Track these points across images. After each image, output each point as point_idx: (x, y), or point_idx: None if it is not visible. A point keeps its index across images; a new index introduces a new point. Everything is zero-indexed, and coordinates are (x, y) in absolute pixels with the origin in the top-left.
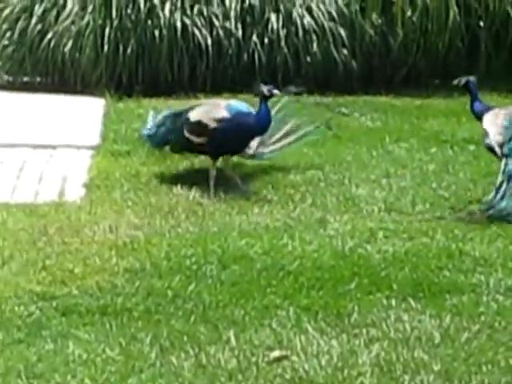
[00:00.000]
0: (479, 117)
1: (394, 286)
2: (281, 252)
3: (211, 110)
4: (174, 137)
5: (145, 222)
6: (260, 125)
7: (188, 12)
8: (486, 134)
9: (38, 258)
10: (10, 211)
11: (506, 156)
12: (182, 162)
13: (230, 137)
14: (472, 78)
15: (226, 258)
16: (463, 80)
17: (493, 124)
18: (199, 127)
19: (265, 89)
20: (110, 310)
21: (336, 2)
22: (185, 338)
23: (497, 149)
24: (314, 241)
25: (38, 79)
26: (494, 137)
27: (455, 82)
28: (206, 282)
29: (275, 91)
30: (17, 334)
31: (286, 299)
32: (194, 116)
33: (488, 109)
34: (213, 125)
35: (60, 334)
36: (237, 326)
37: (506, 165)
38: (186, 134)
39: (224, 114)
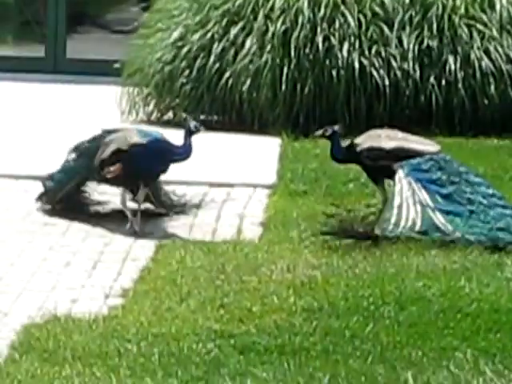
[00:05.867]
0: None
1: None
2: (458, 294)
3: None
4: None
5: (322, 262)
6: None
7: (366, 53)
8: None
9: (216, 295)
10: (188, 249)
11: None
12: (360, 202)
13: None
14: (337, 128)
15: (403, 299)
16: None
17: None
18: None
19: (192, 124)
20: (288, 348)
21: None
22: (362, 379)
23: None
24: (491, 283)
25: (216, 117)
26: None
27: (319, 132)
28: (384, 323)
29: (202, 128)
30: (195, 372)
31: (464, 341)
32: None
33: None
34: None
35: (238, 373)
36: (415, 367)
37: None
38: None
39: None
